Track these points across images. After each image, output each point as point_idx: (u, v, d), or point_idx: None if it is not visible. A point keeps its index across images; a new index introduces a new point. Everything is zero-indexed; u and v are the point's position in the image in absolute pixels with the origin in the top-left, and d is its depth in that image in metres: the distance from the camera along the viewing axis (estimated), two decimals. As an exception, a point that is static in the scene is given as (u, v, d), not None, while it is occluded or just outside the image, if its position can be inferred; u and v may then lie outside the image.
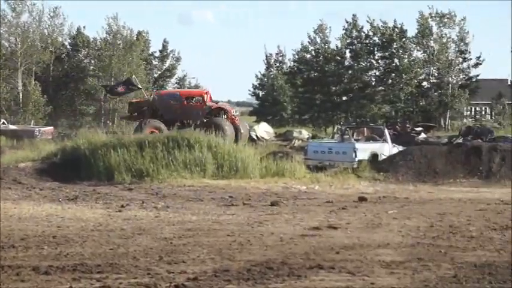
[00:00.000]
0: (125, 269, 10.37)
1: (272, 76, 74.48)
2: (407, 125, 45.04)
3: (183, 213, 16.54)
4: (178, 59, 69.56)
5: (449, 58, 60.78)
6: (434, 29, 60.83)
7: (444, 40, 60.69)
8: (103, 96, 58.01)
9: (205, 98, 36.41)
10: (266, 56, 75.73)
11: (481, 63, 61.46)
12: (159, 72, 68.69)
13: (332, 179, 24.51)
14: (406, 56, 60.68)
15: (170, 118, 34.63)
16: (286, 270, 10.28)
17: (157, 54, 68.82)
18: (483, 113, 74.20)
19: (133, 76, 42.17)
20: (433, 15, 60.48)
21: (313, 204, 18.38)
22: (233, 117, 35.78)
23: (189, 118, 35.10)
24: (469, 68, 61.83)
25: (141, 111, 36.46)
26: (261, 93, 75.41)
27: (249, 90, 77.12)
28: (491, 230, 13.85)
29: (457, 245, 12.31)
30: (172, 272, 10.21)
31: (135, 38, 61.94)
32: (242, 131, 35.43)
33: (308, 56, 64.87)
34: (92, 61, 62.94)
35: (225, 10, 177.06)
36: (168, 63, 69.31)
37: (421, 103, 60.86)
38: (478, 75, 62.52)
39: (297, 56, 66.09)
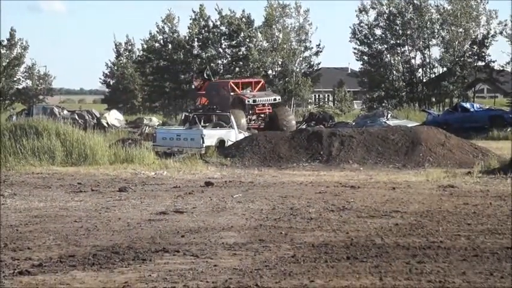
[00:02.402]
0: (-32, 257, 10.31)
1: (122, 65, 74.35)
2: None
3: (30, 200, 16.42)
4: (26, 48, 68.26)
5: (292, 47, 62.54)
6: (279, 19, 62.66)
7: (288, 30, 62.48)
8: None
9: (229, 87, 37.22)
10: (115, 45, 75.58)
11: (321, 51, 63.80)
12: (8, 61, 67.11)
13: (180, 164, 24.80)
14: (253, 45, 61.88)
15: (213, 107, 35.56)
16: (131, 254, 10.47)
17: (5, 43, 67.22)
18: (325, 100, 76.57)
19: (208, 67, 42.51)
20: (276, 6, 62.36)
21: (161, 189, 18.56)
22: (255, 106, 36.60)
23: (220, 107, 35.34)
24: (310, 56, 63.95)
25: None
26: (111, 82, 75.31)
27: (100, 79, 76.90)
28: (329, 212, 14.36)
29: (297, 227, 12.74)
30: (17, 259, 10.23)
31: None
32: (282, 119, 36.21)
33: (157, 45, 65.25)
34: None
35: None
36: (15, 52, 67.84)
37: (268, 90, 62.11)
38: (319, 64, 64.86)
39: (145, 45, 66.38)
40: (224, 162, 25.94)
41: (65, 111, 43.82)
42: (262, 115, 37.72)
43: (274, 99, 38.94)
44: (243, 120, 35.00)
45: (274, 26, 62.50)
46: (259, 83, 40.00)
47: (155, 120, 48.84)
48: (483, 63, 63.40)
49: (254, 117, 37.43)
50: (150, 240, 11.61)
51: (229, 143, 28.99)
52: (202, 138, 28.26)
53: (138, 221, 13.43)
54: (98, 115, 45.27)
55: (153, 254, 10.53)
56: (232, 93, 37.22)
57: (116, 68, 74.68)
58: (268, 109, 37.70)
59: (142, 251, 10.75)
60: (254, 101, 37.27)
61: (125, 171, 23.23)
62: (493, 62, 63.45)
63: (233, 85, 38.33)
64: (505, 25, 61.59)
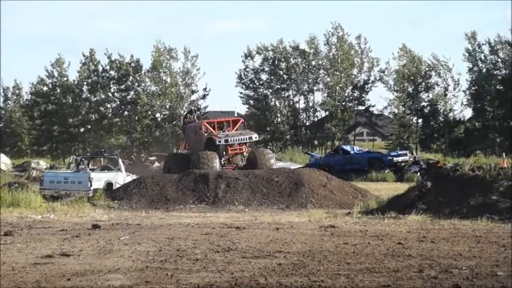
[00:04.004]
0: None
1: (10, 109, 73.68)
2: (142, 155, 46.11)
3: None
4: None
5: (180, 91, 63.61)
6: (166, 64, 63.77)
7: (174, 74, 63.60)
8: None
9: (203, 127, 34.92)
10: (3, 89, 74.83)
11: (207, 94, 65.14)
12: None
13: (68, 207, 24.74)
14: (141, 89, 62.82)
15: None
16: (16, 299, 10.48)
17: None
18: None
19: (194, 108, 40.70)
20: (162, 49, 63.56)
21: (48, 233, 18.42)
22: (228, 147, 34.23)
23: (195, 149, 34.16)
24: (198, 100, 65.16)
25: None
26: (-2, 126, 74.57)
27: (-14, 123, 75.79)
28: (214, 253, 14.55)
29: (183, 268, 12.89)
30: None
31: None
32: (261, 163, 33.41)
33: (45, 88, 65.33)
34: None
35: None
36: None
37: (156, 134, 62.77)
38: (206, 107, 66.15)
39: (34, 89, 66.33)
40: (112, 205, 26.05)
41: (-50, 156, 42.91)
42: (238, 156, 35.11)
43: (250, 138, 35.72)
44: (217, 162, 32.71)
45: (161, 70, 63.50)
46: (237, 122, 36.57)
47: (43, 163, 48.34)
48: (363, 108, 66.38)
49: (229, 158, 34.79)
50: (35, 284, 11.59)
51: (117, 185, 29.13)
52: (90, 181, 28.36)
53: (24, 265, 13.32)
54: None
55: (38, 298, 10.56)
56: (206, 134, 34.73)
57: (3, 112, 73.89)
58: (240, 149, 34.96)
59: (28, 294, 10.76)
60: (226, 140, 34.31)
61: (10, 215, 22.97)
62: (372, 106, 66.81)
63: (207, 125, 35.43)
64: (384, 72, 64.75)
